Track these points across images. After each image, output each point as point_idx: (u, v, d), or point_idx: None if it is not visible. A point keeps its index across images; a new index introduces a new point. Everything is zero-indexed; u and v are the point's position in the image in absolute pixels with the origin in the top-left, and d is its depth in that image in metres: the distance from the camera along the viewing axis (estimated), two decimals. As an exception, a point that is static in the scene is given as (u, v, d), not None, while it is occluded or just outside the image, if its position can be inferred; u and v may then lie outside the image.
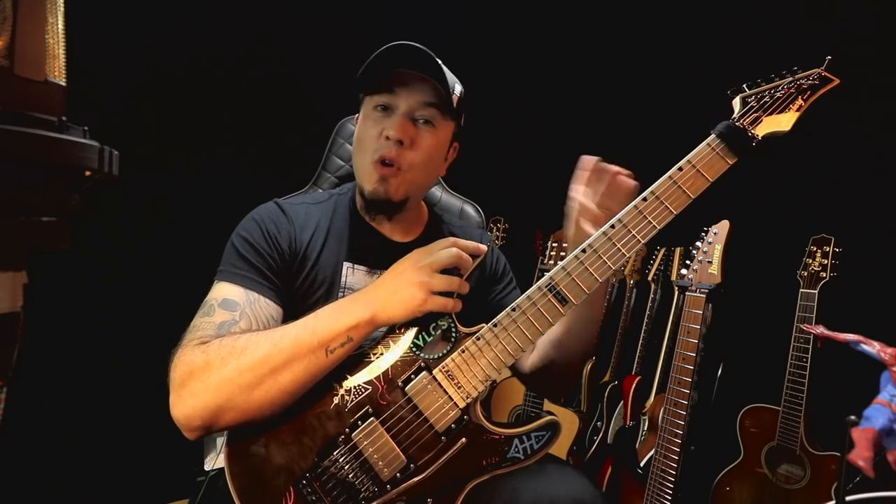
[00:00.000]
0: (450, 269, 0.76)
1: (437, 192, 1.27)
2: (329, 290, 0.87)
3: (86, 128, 0.37)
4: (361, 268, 0.90)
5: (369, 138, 0.85)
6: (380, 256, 0.90)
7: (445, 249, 0.75)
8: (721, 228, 1.32)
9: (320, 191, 1.11)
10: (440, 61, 0.82)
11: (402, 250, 0.88)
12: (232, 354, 0.68)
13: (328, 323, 0.71)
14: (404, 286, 0.73)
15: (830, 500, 1.33)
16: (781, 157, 1.73)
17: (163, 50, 1.62)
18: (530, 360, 0.92)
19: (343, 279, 0.88)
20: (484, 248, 0.78)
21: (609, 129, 2.24)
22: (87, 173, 0.37)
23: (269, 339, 0.70)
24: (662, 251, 2.11)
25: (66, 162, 0.35)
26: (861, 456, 0.61)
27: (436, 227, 1.00)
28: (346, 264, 0.88)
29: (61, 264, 1.28)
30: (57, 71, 0.37)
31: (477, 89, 2.40)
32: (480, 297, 0.97)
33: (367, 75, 0.84)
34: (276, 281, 0.82)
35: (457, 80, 0.90)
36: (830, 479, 1.40)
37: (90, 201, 0.38)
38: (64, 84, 0.37)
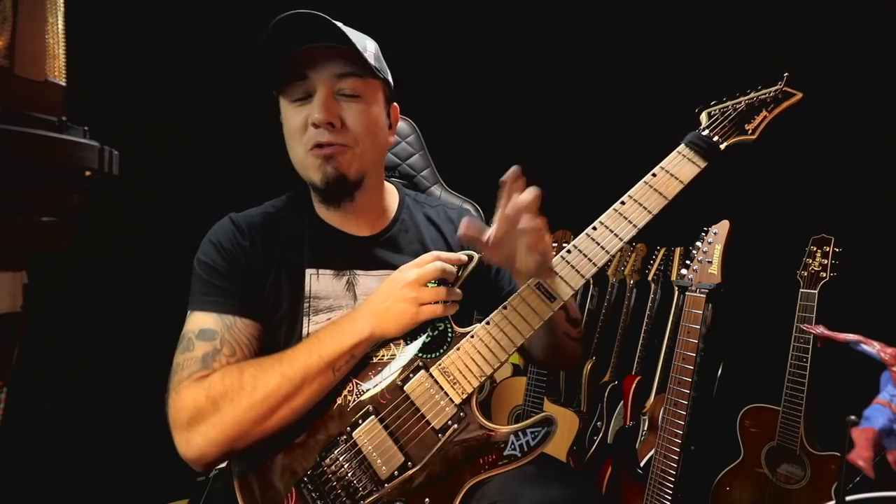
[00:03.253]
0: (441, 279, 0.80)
1: (437, 191, 1.27)
2: (295, 302, 0.84)
3: (86, 128, 0.37)
4: (327, 272, 0.86)
5: (296, 131, 0.80)
6: (346, 256, 0.87)
7: (430, 264, 0.78)
8: (721, 228, 1.32)
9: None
10: (338, 22, 0.76)
11: (366, 245, 0.89)
12: (241, 392, 0.70)
13: (332, 345, 0.74)
14: (396, 302, 0.76)
15: (830, 500, 1.33)
16: (781, 157, 1.74)
17: (163, 50, 1.62)
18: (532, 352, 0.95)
19: (307, 288, 0.84)
20: (473, 256, 0.82)
21: (607, 129, 2.25)
22: (87, 173, 0.37)
23: (277, 370, 0.72)
24: (662, 251, 2.11)
25: (66, 162, 0.35)
26: (861, 456, 0.61)
27: (406, 216, 0.95)
28: (308, 271, 0.85)
29: (61, 264, 1.27)
30: (57, 71, 0.37)
31: (477, 90, 2.41)
32: (482, 284, 0.94)
33: (267, 69, 0.79)
34: (246, 297, 0.80)
35: (367, 37, 0.85)
36: (830, 479, 1.39)
37: (90, 201, 0.38)
38: (64, 84, 0.37)
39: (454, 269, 0.81)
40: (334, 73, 0.79)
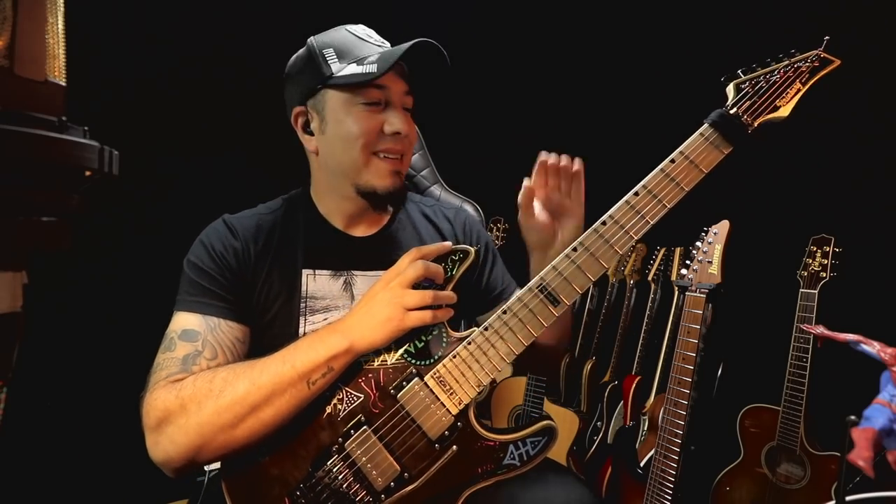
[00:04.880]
0: (429, 283, 0.75)
1: (437, 190, 1.27)
2: (288, 302, 0.83)
3: (86, 128, 0.37)
4: (324, 272, 0.85)
5: (366, 134, 0.80)
6: (343, 257, 0.86)
7: (411, 264, 0.73)
8: (721, 228, 1.32)
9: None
10: (436, 43, 0.80)
11: (364, 245, 0.88)
12: (209, 396, 0.67)
13: (307, 355, 0.69)
14: (378, 309, 0.72)
15: (830, 500, 1.33)
16: (781, 156, 1.74)
17: (163, 49, 1.62)
18: None
19: (303, 288, 0.83)
20: (468, 252, 0.77)
21: (608, 128, 2.24)
22: (87, 173, 0.37)
23: (247, 376, 0.68)
24: (662, 251, 2.11)
25: (66, 162, 0.35)
26: (861, 456, 0.61)
27: (402, 214, 0.95)
28: (304, 272, 0.84)
29: (61, 264, 1.28)
30: (57, 71, 0.37)
31: (477, 89, 2.41)
32: (475, 285, 0.97)
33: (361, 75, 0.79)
34: (233, 300, 0.79)
35: None
36: (830, 479, 1.39)
37: (90, 201, 0.38)
38: (64, 84, 0.37)
39: (441, 268, 0.74)
40: (405, 89, 0.83)
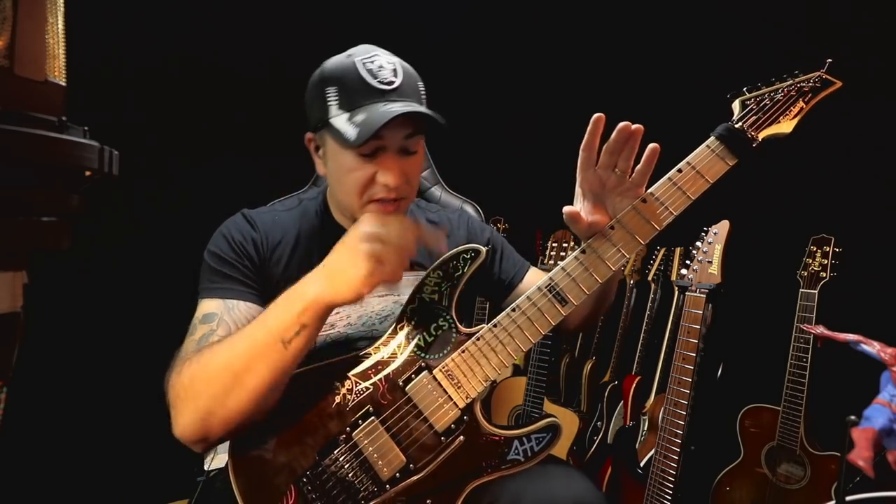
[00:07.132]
0: (420, 263, 0.79)
1: (437, 191, 1.27)
2: None
3: (86, 128, 0.37)
4: None
5: (356, 180, 0.78)
6: None
7: (395, 220, 0.69)
8: (721, 228, 1.32)
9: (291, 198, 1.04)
10: (423, 94, 0.81)
11: None
12: (205, 368, 0.68)
13: (277, 314, 0.68)
14: (348, 256, 0.67)
15: (830, 500, 1.33)
16: (781, 157, 1.74)
17: (163, 50, 1.62)
18: None
19: None
20: (479, 251, 0.79)
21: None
22: (87, 173, 0.37)
23: (228, 344, 0.69)
24: (662, 251, 2.11)
25: (66, 162, 0.35)
26: (861, 456, 0.61)
27: (410, 219, 0.96)
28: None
29: (61, 264, 1.28)
30: (57, 71, 0.37)
31: (477, 89, 2.41)
32: (487, 280, 1.00)
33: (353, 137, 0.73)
34: (253, 285, 0.82)
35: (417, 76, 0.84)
36: (830, 479, 1.39)
37: (90, 201, 0.38)
38: (64, 84, 0.37)
39: (439, 233, 0.79)
40: (405, 134, 0.77)
